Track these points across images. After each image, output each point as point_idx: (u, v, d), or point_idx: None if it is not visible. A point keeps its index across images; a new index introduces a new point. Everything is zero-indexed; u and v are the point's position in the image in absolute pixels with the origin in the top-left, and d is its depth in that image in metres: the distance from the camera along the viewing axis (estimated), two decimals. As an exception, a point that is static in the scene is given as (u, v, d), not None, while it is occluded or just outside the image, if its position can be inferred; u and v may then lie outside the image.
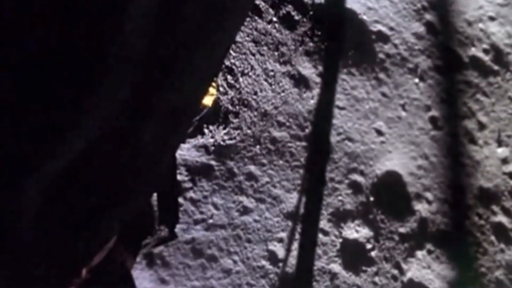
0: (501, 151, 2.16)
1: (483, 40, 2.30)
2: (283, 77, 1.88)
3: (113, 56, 0.49)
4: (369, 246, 1.80)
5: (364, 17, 2.10)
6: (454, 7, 2.31)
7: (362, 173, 1.88)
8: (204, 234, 1.61)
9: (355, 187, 1.85)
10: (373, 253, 1.80)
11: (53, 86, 0.47)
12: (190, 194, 1.64)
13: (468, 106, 2.17)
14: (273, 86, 1.86)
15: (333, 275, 1.72)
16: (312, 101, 1.90)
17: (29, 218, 0.54)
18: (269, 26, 1.93)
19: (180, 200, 1.62)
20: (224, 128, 1.75)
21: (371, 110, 1.98)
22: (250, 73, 1.84)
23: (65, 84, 0.47)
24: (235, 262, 1.62)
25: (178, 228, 1.57)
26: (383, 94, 2.03)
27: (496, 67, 2.28)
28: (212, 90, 1.75)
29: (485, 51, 2.29)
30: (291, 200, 1.75)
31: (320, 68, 1.95)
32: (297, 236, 1.72)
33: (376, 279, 1.78)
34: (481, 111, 2.18)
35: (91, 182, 0.60)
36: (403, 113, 2.04)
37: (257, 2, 1.93)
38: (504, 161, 2.15)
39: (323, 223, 1.77)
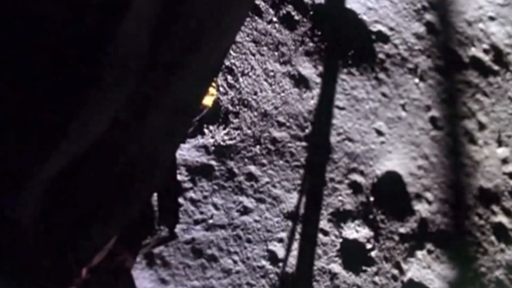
0: (501, 151, 2.16)
1: (483, 40, 2.30)
2: (283, 77, 1.88)
3: (113, 56, 0.49)
4: (369, 246, 1.80)
5: (364, 17, 2.10)
6: (454, 7, 2.31)
7: (362, 173, 1.88)
8: (204, 234, 1.61)
9: (355, 187, 1.85)
10: (373, 253, 1.80)
11: (51, 89, 0.47)
12: (190, 194, 1.64)
13: (468, 106, 2.17)
14: (273, 86, 1.86)
15: (333, 275, 1.72)
16: (312, 101, 1.90)
17: (28, 222, 0.54)
18: (269, 26, 1.93)
19: (180, 200, 1.62)
20: (224, 128, 1.75)
21: (371, 110, 1.99)
22: (250, 73, 1.84)
23: (64, 87, 0.47)
24: (235, 262, 1.62)
25: (178, 228, 1.57)
26: (383, 94, 2.03)
27: (496, 67, 2.28)
28: (212, 90, 1.75)
29: (485, 51, 2.29)
30: (291, 200, 1.75)
31: (320, 68, 1.95)
32: (297, 236, 1.72)
33: (376, 279, 1.78)
34: (481, 111, 2.19)
35: (92, 183, 0.60)
36: (403, 113, 2.04)
37: (257, 2, 1.93)
38: (504, 161, 2.15)
39: (323, 223, 1.77)
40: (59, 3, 0.44)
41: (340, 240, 1.77)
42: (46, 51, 0.46)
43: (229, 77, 1.81)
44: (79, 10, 0.44)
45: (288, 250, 1.69)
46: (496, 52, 2.30)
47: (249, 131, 1.77)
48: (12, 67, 0.45)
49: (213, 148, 1.70)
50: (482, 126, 2.16)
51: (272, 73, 1.87)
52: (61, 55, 0.46)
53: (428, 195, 1.96)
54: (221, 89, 1.79)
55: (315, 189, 1.80)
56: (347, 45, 2.03)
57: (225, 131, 1.74)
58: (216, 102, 1.76)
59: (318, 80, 1.93)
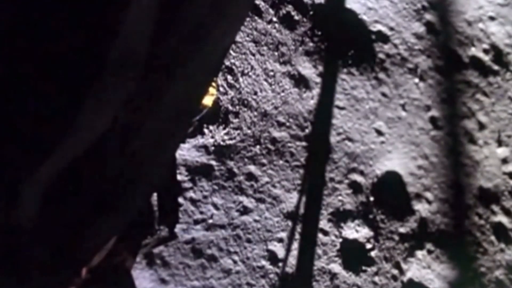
0: (501, 151, 2.16)
1: (483, 40, 2.30)
2: (283, 77, 1.88)
3: (112, 56, 0.49)
4: (369, 246, 1.80)
5: (364, 17, 2.10)
6: (454, 7, 2.31)
7: (362, 173, 1.88)
8: (204, 234, 1.61)
9: (355, 187, 1.85)
10: (373, 253, 1.80)
11: (50, 89, 0.47)
12: (190, 194, 1.64)
13: (468, 106, 2.17)
14: (273, 86, 1.86)
15: (333, 275, 1.72)
16: (312, 101, 1.90)
17: (27, 222, 0.54)
18: (269, 26, 1.93)
19: (180, 200, 1.62)
20: (224, 128, 1.75)
21: (371, 110, 1.99)
22: (250, 73, 1.84)
23: (63, 87, 0.47)
24: (235, 262, 1.62)
25: (178, 228, 1.57)
26: (383, 94, 2.03)
27: (496, 67, 2.28)
28: (212, 90, 1.75)
29: (485, 51, 2.29)
30: (291, 200, 1.75)
31: (320, 68, 1.95)
32: (297, 236, 1.72)
33: (376, 279, 1.78)
34: (481, 111, 2.19)
35: (91, 183, 0.60)
36: (403, 113, 2.04)
37: (257, 2, 1.93)
38: (504, 161, 2.15)
39: (323, 223, 1.77)
40: (59, 3, 0.44)
41: (340, 240, 1.77)
42: (46, 52, 0.46)
43: (229, 77, 1.81)
44: (79, 10, 0.44)
45: (288, 250, 1.69)
46: (496, 52, 2.30)
47: (249, 131, 1.77)
48: (11, 68, 0.45)
49: (213, 148, 1.70)
50: (482, 126, 2.16)
51: (272, 73, 1.87)
52: (60, 56, 0.46)
53: (428, 195, 1.96)
54: (221, 89, 1.79)
55: (315, 189, 1.80)
56: (347, 45, 2.03)
57: (225, 131, 1.74)
58: (216, 102, 1.76)
59: (318, 80, 1.93)
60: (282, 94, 1.86)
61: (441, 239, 1.92)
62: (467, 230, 1.98)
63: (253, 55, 1.87)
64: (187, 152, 1.67)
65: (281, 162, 1.78)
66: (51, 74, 0.46)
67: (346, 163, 1.87)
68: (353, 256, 1.77)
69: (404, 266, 1.83)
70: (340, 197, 1.82)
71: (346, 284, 1.73)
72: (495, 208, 2.05)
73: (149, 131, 0.64)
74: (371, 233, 1.82)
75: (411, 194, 1.94)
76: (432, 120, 2.08)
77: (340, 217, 1.79)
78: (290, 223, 1.72)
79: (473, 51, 2.26)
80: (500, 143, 2.17)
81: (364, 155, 1.91)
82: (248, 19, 1.89)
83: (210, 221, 1.63)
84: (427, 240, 1.90)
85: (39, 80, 0.46)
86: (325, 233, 1.76)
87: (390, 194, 1.91)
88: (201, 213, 1.63)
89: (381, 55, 2.08)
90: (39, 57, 0.45)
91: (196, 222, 1.62)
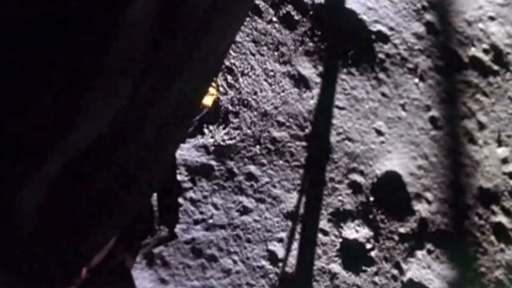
0: (501, 151, 2.16)
1: (483, 40, 2.30)
2: (283, 77, 1.88)
3: (112, 55, 0.49)
4: (369, 246, 1.80)
5: (364, 17, 2.10)
6: (454, 7, 2.31)
7: (362, 173, 1.88)
8: (204, 234, 1.61)
9: (355, 187, 1.85)
10: (373, 253, 1.80)
11: (52, 84, 0.47)
12: (190, 194, 1.64)
13: (468, 106, 2.17)
14: (273, 86, 1.86)
15: (333, 275, 1.72)
16: (312, 101, 1.90)
17: (28, 221, 0.54)
18: (269, 26, 1.93)
19: (180, 200, 1.62)
20: (224, 128, 1.75)
21: (371, 110, 1.98)
22: (250, 73, 1.84)
23: (61, 88, 0.47)
24: (235, 262, 1.62)
25: (178, 228, 1.57)
26: (383, 94, 2.03)
27: (496, 67, 2.28)
28: (212, 90, 1.75)
29: (485, 51, 2.29)
30: (291, 200, 1.75)
31: (320, 68, 1.95)
32: (297, 236, 1.72)
33: (376, 279, 1.78)
34: (481, 111, 2.19)
35: (91, 184, 0.60)
36: (403, 113, 2.04)
37: (257, 2, 1.93)
38: (504, 161, 2.15)
39: (323, 223, 1.77)
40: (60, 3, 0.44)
41: (340, 240, 1.77)
42: (45, 54, 0.46)
43: (229, 77, 1.81)
44: (79, 11, 0.44)
45: (288, 250, 1.69)
46: (496, 52, 2.30)
47: (249, 131, 1.77)
48: (10, 70, 0.45)
49: (213, 148, 1.70)
50: (482, 126, 2.16)
51: (272, 73, 1.87)
52: (60, 56, 0.46)
53: (428, 195, 1.96)
54: (221, 89, 1.79)
55: (315, 189, 1.80)
56: (347, 45, 2.03)
57: (225, 131, 1.74)
58: (216, 102, 1.76)
59: (318, 80, 1.93)
60: (282, 94, 1.86)
61: (441, 239, 1.92)
62: (467, 230, 1.98)
63: (253, 55, 1.87)
64: (187, 152, 1.67)
65: (281, 162, 1.78)
66: (51, 75, 0.47)
67: (346, 163, 1.87)
68: (353, 256, 1.77)
69: (404, 266, 1.83)
70: (340, 197, 1.82)
71: (346, 284, 1.73)
72: (495, 208, 2.05)
73: (148, 131, 0.64)
74: (371, 233, 1.82)
75: (411, 194, 1.94)
76: (432, 120, 2.08)
77: (340, 217, 1.79)
78: (290, 223, 1.72)
79: (473, 51, 2.26)
80: (500, 143, 2.17)
81: (364, 155, 1.91)
82: (248, 19, 1.89)
83: (210, 221, 1.63)
84: (427, 240, 1.90)
85: (38, 81, 0.46)
86: (325, 233, 1.76)
87: (390, 194, 1.91)
88: (201, 213, 1.63)
89: (381, 55, 2.08)
90: (38, 59, 0.45)
91: (196, 222, 1.62)
